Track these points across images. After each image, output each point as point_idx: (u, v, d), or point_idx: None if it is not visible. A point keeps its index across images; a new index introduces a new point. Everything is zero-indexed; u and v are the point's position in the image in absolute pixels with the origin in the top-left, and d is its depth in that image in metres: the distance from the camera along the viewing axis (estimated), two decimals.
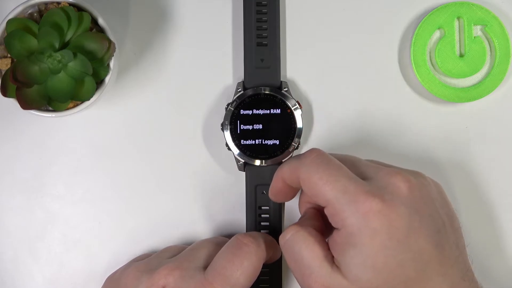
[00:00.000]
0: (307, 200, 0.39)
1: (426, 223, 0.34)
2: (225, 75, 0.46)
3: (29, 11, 0.40)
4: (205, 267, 0.39)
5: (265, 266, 0.41)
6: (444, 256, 0.35)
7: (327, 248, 0.35)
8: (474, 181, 0.46)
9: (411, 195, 0.34)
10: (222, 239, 0.42)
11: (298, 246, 0.36)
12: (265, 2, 0.44)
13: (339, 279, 0.34)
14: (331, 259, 0.35)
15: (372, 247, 0.33)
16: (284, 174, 0.37)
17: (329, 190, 0.34)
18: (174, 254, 0.41)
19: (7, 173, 0.45)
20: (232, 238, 0.40)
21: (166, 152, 0.45)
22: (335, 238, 0.35)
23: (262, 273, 0.40)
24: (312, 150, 0.36)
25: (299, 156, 0.37)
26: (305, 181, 0.35)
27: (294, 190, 0.39)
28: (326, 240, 0.36)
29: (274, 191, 0.39)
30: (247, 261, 0.38)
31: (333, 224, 0.35)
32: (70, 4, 0.40)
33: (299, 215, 0.39)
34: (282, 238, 0.37)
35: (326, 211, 0.35)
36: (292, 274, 0.37)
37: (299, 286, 0.37)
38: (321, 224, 0.37)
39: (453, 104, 0.46)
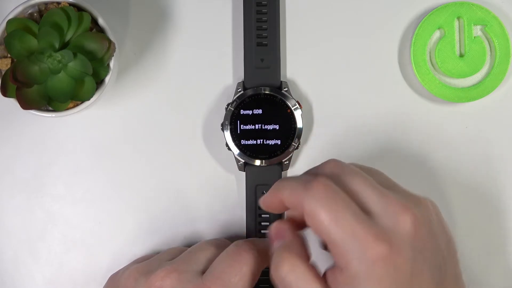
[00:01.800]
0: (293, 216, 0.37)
1: (429, 262, 0.34)
2: (225, 75, 0.46)
3: (29, 11, 0.40)
4: (204, 271, 0.39)
5: (265, 273, 0.41)
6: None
7: (324, 282, 0.34)
8: (474, 181, 0.46)
9: (417, 234, 0.33)
10: (223, 241, 0.42)
11: (296, 284, 0.34)
12: (265, 2, 0.44)
13: None
14: None
15: None
16: (284, 196, 0.35)
17: (336, 232, 0.32)
18: (175, 256, 0.41)
19: (7, 173, 0.45)
20: (232, 244, 0.40)
21: (166, 152, 0.45)
22: (337, 276, 0.33)
23: (261, 281, 0.40)
24: (319, 181, 0.34)
25: (304, 181, 0.34)
26: (310, 215, 0.33)
27: (287, 208, 0.37)
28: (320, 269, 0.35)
29: (267, 204, 0.37)
30: (246, 267, 0.38)
31: (336, 262, 0.34)
32: (70, 4, 0.40)
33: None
34: (277, 273, 0.35)
35: (330, 248, 0.34)
36: None
37: None
38: (307, 249, 0.36)
39: (453, 104, 0.46)
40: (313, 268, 0.35)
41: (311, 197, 0.33)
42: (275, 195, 0.36)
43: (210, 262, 0.39)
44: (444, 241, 0.36)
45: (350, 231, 0.32)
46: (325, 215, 0.33)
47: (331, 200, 0.33)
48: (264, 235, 0.44)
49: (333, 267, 0.34)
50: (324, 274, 0.34)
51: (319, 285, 0.34)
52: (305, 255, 0.35)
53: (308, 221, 0.34)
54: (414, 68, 0.45)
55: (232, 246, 0.40)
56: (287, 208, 0.36)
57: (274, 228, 0.37)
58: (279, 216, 0.44)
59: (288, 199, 0.35)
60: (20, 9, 0.39)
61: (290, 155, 0.44)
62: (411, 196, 0.35)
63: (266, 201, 0.37)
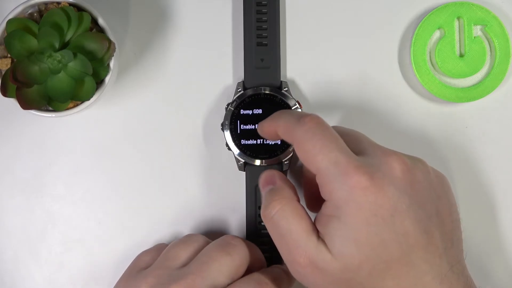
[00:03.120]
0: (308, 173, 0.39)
1: (416, 207, 0.34)
2: (225, 75, 0.46)
3: (29, 11, 0.40)
4: (219, 284, 0.38)
5: None
6: (432, 244, 0.34)
7: (313, 223, 0.36)
8: (474, 181, 0.46)
9: (404, 177, 0.35)
10: (232, 246, 0.40)
11: (285, 220, 0.36)
12: (265, 2, 0.44)
13: (324, 253, 0.34)
14: (317, 233, 0.35)
15: (355, 221, 0.33)
16: (278, 127, 0.38)
17: (320, 160, 0.34)
18: (184, 262, 0.40)
19: (7, 173, 0.45)
20: (221, 237, 0.41)
21: (166, 152, 0.45)
22: (322, 211, 0.35)
23: None
24: (312, 117, 0.36)
25: (298, 116, 0.36)
26: (299, 146, 0.36)
27: (279, 137, 0.39)
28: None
29: (263, 130, 0.40)
30: (230, 256, 0.39)
31: (322, 195, 0.35)
32: (70, 4, 0.40)
33: None
34: (266, 213, 0.37)
35: (317, 180, 0.35)
36: (278, 249, 0.37)
37: (285, 261, 0.37)
38: (295, 192, 0.38)
39: (453, 104, 0.46)
40: (301, 207, 0.37)
41: (303, 130, 0.35)
42: (271, 124, 0.39)
43: (224, 274, 0.38)
44: (443, 201, 0.36)
45: (334, 160, 0.34)
46: (312, 145, 0.35)
47: (320, 133, 0.35)
48: (264, 236, 0.44)
49: (321, 207, 0.36)
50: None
51: (306, 220, 0.36)
52: (293, 197, 0.37)
53: (297, 151, 0.36)
54: (414, 68, 0.45)
55: (219, 239, 0.41)
56: (278, 138, 0.39)
57: (264, 176, 0.40)
58: None
59: (282, 129, 0.37)
60: (20, 9, 0.39)
61: (290, 155, 0.44)
62: (409, 155, 0.37)
63: (262, 128, 0.40)
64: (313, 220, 0.37)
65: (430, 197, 0.36)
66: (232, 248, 0.39)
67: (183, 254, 0.40)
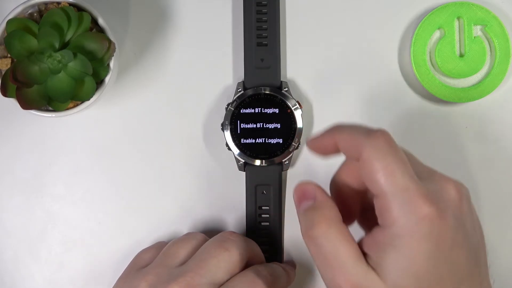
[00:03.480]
0: (344, 179, 0.36)
1: (468, 239, 0.33)
2: (225, 75, 0.46)
3: (29, 11, 0.40)
4: (218, 280, 0.38)
5: None
6: (476, 273, 0.34)
7: (357, 245, 0.34)
8: (473, 181, 0.46)
9: (461, 206, 0.34)
10: (231, 242, 0.40)
11: (331, 243, 0.33)
12: (265, 2, 0.44)
13: (375, 281, 0.32)
14: (365, 259, 0.33)
15: (417, 253, 0.32)
16: (341, 140, 0.35)
17: (390, 184, 0.32)
18: (183, 259, 0.40)
19: (7, 173, 0.45)
20: (219, 234, 0.41)
21: (166, 152, 0.45)
22: (376, 237, 0.33)
23: None
24: (383, 132, 0.33)
25: (366, 129, 0.34)
26: (367, 163, 0.33)
27: (337, 152, 0.36)
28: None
29: (317, 144, 0.36)
30: (228, 252, 0.39)
31: (379, 218, 0.33)
32: (70, 4, 0.40)
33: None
34: (309, 234, 0.34)
35: (376, 201, 0.33)
36: (319, 270, 0.35)
37: (326, 284, 0.35)
38: (337, 210, 0.35)
39: (453, 104, 0.46)
40: (347, 229, 0.34)
41: (372, 145, 0.33)
42: (331, 136, 0.35)
43: (223, 270, 0.38)
44: (479, 229, 0.35)
45: (403, 186, 0.32)
46: (382, 166, 0.32)
47: (392, 154, 0.33)
48: (264, 236, 0.44)
49: (372, 232, 0.34)
50: (360, 241, 0.34)
51: (353, 246, 0.33)
52: (339, 217, 0.34)
53: (362, 168, 0.33)
54: (414, 68, 0.45)
55: (217, 235, 0.41)
56: (334, 152, 0.36)
57: (300, 189, 0.36)
58: (279, 215, 0.44)
59: (346, 142, 0.34)
60: (20, 9, 0.39)
61: (290, 155, 0.44)
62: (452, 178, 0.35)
63: (317, 141, 0.36)
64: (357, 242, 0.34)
65: (473, 224, 0.34)
66: (230, 244, 0.39)
67: (182, 252, 0.40)
